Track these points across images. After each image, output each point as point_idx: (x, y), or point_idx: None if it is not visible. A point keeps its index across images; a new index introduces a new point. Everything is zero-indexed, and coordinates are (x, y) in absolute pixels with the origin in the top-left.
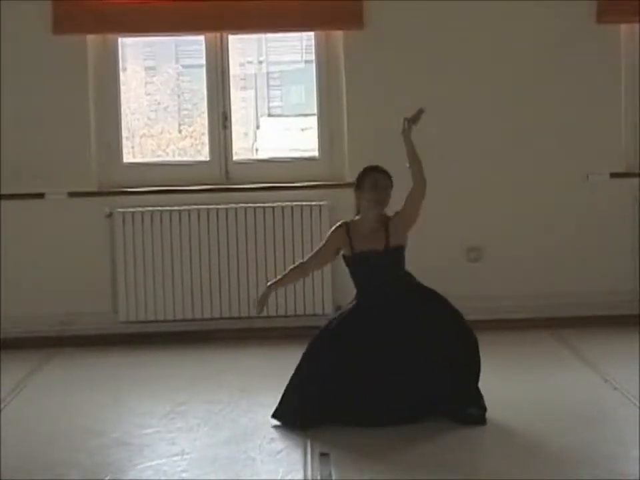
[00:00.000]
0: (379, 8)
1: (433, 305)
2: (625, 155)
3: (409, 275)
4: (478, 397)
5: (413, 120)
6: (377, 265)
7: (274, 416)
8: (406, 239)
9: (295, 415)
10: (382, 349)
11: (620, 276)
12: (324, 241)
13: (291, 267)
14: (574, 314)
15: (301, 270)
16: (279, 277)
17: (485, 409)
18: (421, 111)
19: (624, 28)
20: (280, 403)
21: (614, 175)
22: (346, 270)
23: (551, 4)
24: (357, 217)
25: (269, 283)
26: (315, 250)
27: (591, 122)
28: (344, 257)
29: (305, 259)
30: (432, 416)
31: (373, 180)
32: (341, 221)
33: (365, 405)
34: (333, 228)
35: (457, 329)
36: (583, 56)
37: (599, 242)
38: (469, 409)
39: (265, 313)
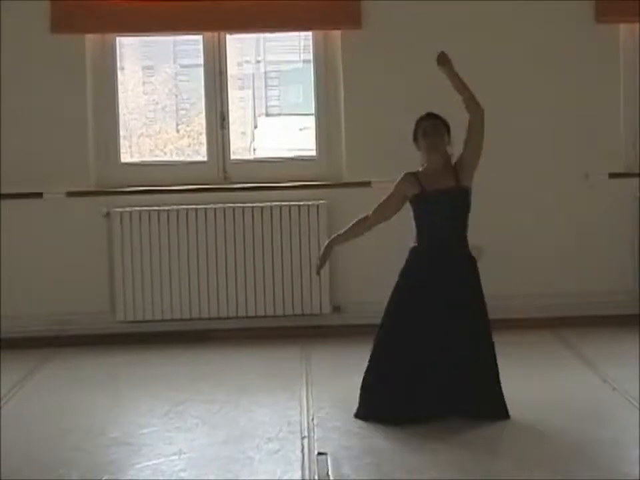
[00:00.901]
0: (377, 8)
1: (470, 293)
2: (623, 155)
3: (467, 243)
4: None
5: (441, 62)
6: (446, 203)
7: (357, 416)
8: (471, 181)
9: (380, 412)
10: (429, 346)
11: (619, 276)
12: (390, 191)
13: (354, 221)
14: (573, 314)
15: (365, 223)
16: (341, 231)
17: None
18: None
19: (623, 28)
20: (362, 403)
21: (613, 175)
22: (343, 269)
23: (550, 4)
24: (422, 167)
25: (330, 238)
26: (378, 204)
27: (589, 122)
28: (412, 197)
29: (369, 213)
30: (458, 412)
31: (422, 128)
32: (407, 171)
33: (419, 401)
34: (401, 176)
35: (482, 324)
36: (582, 55)
37: (598, 242)
38: (493, 404)
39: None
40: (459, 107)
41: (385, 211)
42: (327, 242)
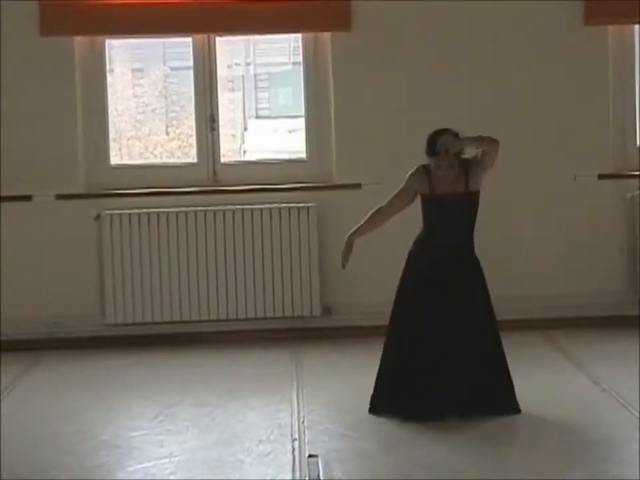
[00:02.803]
0: (367, 10)
1: (476, 294)
2: (612, 156)
3: (473, 246)
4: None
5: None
6: (454, 206)
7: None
8: (480, 184)
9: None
10: (439, 346)
11: (609, 277)
12: (402, 186)
13: (369, 213)
14: (563, 315)
15: (381, 215)
16: (358, 225)
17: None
18: None
19: (612, 30)
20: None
21: (602, 176)
22: (334, 271)
23: (540, 6)
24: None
25: (349, 234)
26: (392, 196)
27: (578, 123)
28: (422, 195)
29: (383, 205)
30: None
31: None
32: (419, 165)
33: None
34: (412, 172)
35: (490, 324)
36: (571, 57)
37: (587, 243)
38: (505, 398)
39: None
40: (446, 106)
41: (397, 202)
42: (347, 237)
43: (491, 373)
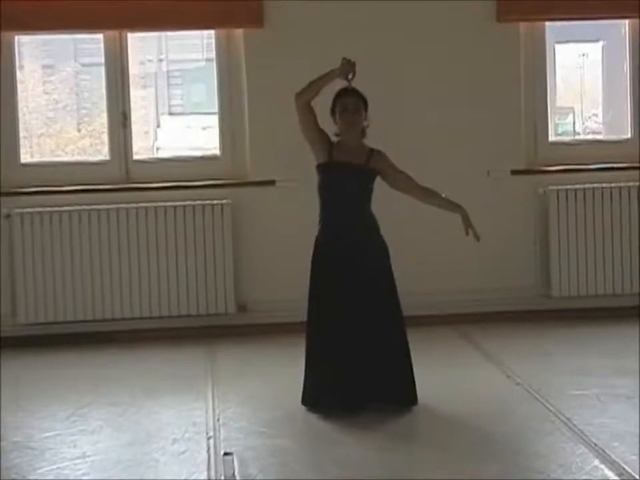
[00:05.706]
0: (279, 6)
1: (379, 278)
2: (525, 152)
3: (374, 218)
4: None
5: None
6: (350, 178)
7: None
8: (377, 175)
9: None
10: (347, 337)
11: (521, 272)
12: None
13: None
14: (477, 310)
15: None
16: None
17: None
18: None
19: (523, 26)
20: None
21: (514, 172)
22: (249, 268)
23: (452, 3)
24: (336, 139)
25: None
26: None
27: (491, 119)
28: (319, 166)
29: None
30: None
31: (341, 104)
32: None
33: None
34: None
35: (394, 311)
36: (484, 54)
37: (501, 238)
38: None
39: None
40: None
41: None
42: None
43: (392, 362)
